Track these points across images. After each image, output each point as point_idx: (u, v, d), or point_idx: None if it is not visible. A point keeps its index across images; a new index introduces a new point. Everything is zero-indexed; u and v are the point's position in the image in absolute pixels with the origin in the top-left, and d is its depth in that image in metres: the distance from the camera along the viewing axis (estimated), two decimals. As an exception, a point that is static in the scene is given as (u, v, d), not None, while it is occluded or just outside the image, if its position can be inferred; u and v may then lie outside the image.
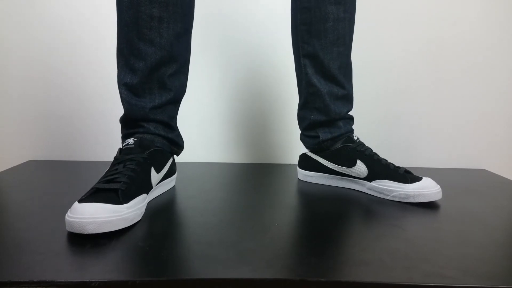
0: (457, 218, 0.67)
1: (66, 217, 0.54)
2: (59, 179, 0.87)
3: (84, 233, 0.52)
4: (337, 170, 0.83)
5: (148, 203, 0.69)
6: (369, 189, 0.78)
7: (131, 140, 0.71)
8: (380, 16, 1.07)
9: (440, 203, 0.75)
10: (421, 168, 1.09)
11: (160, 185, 0.75)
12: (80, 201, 0.55)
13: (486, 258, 0.51)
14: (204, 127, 1.12)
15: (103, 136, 1.10)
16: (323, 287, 0.45)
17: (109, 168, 0.66)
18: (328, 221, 0.65)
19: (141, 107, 0.73)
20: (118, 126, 1.17)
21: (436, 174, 1.02)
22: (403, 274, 0.46)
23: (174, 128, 0.80)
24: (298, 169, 0.91)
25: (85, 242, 0.52)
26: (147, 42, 0.70)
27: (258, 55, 1.08)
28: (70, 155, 1.10)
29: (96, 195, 0.57)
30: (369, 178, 0.78)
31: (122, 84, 0.73)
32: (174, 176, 0.83)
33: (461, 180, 0.95)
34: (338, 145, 0.82)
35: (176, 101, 0.78)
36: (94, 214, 0.53)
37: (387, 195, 0.75)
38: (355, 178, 0.81)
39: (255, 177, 0.94)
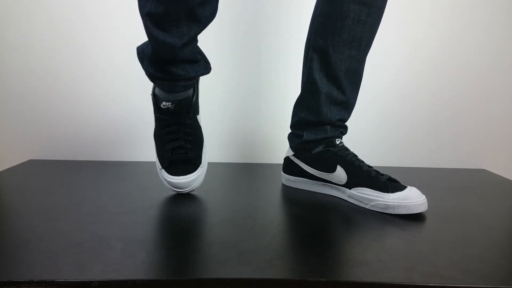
0: (457, 218, 0.67)
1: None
2: (59, 179, 0.87)
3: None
4: (317, 176, 0.79)
5: (148, 204, 0.69)
6: (349, 196, 0.74)
7: (169, 104, 0.69)
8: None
9: (440, 203, 0.74)
10: (421, 168, 1.09)
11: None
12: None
13: (486, 258, 0.51)
14: (203, 127, 1.12)
15: (103, 136, 1.10)
16: (323, 287, 0.45)
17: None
18: (328, 221, 0.65)
19: (169, 46, 0.61)
20: (118, 126, 1.16)
21: (436, 174, 1.02)
22: (403, 274, 0.46)
23: (198, 59, 0.70)
24: (282, 173, 0.88)
25: (85, 242, 0.52)
26: None
27: (257, 54, 1.08)
28: (70, 155, 1.10)
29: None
30: (349, 185, 0.74)
31: (145, 14, 0.60)
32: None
33: (461, 180, 0.95)
34: (319, 148, 0.79)
35: (200, 32, 0.66)
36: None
37: (366, 204, 0.71)
38: (335, 184, 0.77)
39: (255, 177, 0.94)
